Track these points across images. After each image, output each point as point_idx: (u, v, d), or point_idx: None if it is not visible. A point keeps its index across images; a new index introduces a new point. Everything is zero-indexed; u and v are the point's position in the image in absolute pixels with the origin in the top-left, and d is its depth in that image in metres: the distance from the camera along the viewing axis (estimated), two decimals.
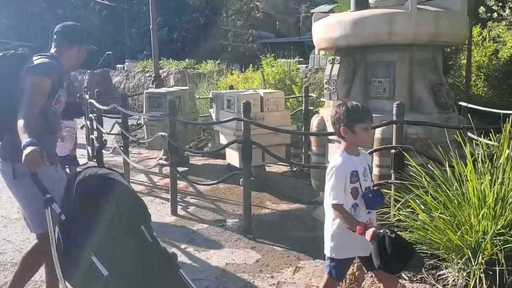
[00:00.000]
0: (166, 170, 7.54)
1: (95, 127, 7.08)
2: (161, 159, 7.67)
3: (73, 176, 2.45)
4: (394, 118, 4.22)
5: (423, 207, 3.39)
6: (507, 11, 7.75)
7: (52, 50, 2.96)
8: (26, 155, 2.26)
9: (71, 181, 2.41)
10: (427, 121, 4.29)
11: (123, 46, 23.73)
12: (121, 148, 6.16)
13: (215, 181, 5.25)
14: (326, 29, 4.90)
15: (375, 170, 4.62)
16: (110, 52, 20.48)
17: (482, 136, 4.60)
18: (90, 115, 7.13)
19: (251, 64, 12.67)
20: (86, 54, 3.11)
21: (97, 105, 6.87)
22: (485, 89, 7.53)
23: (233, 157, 6.30)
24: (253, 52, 24.60)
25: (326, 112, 5.12)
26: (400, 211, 3.50)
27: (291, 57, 12.55)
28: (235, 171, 6.72)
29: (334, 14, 5.10)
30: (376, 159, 4.60)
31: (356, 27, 4.59)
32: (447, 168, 3.54)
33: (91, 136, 7.40)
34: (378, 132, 4.56)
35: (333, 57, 5.01)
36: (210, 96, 7.24)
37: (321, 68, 12.06)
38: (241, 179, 6.44)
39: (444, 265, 3.39)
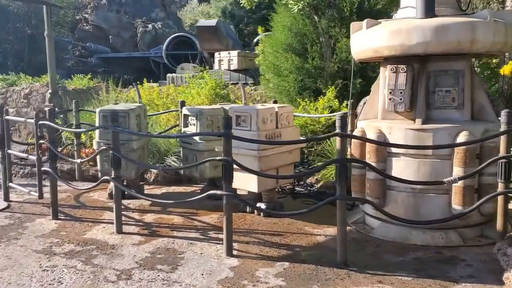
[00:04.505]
0: (129, 203, 6.22)
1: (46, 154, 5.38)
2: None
3: None
4: (503, 128, 4.16)
5: None
6: None
7: None
8: None
9: None
10: None
11: None
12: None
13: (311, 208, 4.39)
14: (395, 36, 4.58)
15: (459, 182, 4.48)
16: None
17: None
18: (41, 140, 5.38)
19: (145, 79, 11.42)
20: None
21: (54, 126, 5.23)
22: None
23: (246, 182, 5.38)
24: (91, 67, 22.50)
25: (388, 125, 4.80)
26: None
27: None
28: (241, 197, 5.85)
29: (398, 21, 4.82)
30: (459, 170, 4.46)
31: (438, 34, 4.40)
32: None
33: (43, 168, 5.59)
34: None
35: (395, 65, 4.73)
36: (185, 112, 6.20)
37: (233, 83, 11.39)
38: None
39: None
